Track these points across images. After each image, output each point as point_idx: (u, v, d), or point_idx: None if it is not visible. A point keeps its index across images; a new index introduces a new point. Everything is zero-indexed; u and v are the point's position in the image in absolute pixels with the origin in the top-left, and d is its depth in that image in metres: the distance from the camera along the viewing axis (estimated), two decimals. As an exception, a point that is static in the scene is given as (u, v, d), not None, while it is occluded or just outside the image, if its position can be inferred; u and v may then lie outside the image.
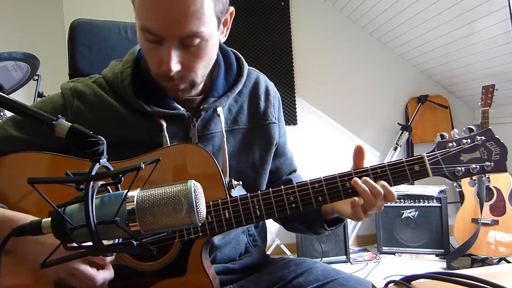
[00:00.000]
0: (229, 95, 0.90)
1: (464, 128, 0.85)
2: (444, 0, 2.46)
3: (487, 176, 0.86)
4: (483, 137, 0.83)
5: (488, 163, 0.82)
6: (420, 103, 3.24)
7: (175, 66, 0.75)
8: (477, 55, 2.76)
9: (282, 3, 3.21)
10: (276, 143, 0.97)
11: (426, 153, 0.83)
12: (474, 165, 0.82)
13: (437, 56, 3.06)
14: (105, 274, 0.72)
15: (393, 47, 3.32)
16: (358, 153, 0.83)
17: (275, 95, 1.00)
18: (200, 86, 0.88)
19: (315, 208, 0.84)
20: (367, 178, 0.79)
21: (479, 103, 2.47)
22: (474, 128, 0.85)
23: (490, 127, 0.85)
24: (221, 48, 0.94)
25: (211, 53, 0.81)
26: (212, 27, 0.76)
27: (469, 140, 0.83)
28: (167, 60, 0.74)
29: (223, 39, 0.86)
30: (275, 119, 0.97)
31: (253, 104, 0.95)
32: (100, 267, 0.72)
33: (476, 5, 2.35)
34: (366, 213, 0.80)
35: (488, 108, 2.42)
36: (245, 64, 0.95)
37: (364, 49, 3.34)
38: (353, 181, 0.79)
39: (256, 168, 0.93)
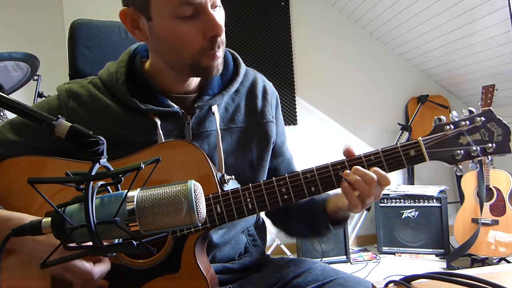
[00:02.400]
0: (224, 93, 0.90)
1: (464, 110, 0.80)
2: (444, 0, 2.46)
3: (490, 158, 0.82)
4: (483, 118, 0.78)
5: (490, 145, 0.77)
6: (420, 103, 3.24)
7: (222, 25, 0.77)
8: (477, 55, 2.76)
9: (282, 3, 3.21)
10: (273, 142, 0.97)
11: (422, 137, 0.79)
12: (474, 147, 0.77)
13: (437, 56, 3.06)
14: (101, 268, 0.72)
15: (393, 47, 3.32)
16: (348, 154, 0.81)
17: (273, 94, 1.00)
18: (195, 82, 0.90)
19: (319, 207, 0.83)
20: (358, 167, 0.77)
21: (479, 103, 2.46)
22: (474, 110, 0.80)
23: (491, 108, 0.80)
24: None
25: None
26: None
27: (467, 122, 0.78)
28: (213, 22, 0.76)
29: None
30: (273, 117, 0.97)
31: (250, 103, 0.95)
32: (96, 260, 0.72)
33: (476, 5, 2.35)
34: (364, 202, 0.78)
35: (488, 108, 2.42)
36: (242, 64, 0.96)
37: (364, 49, 3.34)
38: (344, 173, 0.77)
39: (254, 166, 0.93)
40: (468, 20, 2.51)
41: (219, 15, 0.79)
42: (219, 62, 0.82)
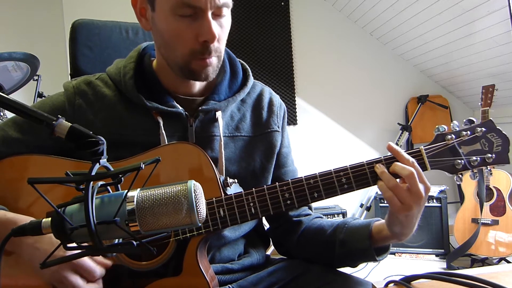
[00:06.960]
0: (230, 100, 0.90)
1: (464, 120, 0.82)
2: (444, 0, 2.46)
3: (489, 168, 0.83)
4: (483, 129, 0.80)
5: (489, 155, 0.79)
6: (420, 103, 3.24)
7: (217, 32, 0.76)
8: (477, 55, 2.76)
9: (282, 3, 3.21)
10: (277, 151, 0.96)
11: (424, 146, 0.81)
12: (474, 157, 0.80)
13: (437, 56, 3.06)
14: None
15: (393, 47, 3.32)
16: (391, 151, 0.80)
17: (280, 106, 1.00)
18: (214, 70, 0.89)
19: (364, 235, 0.83)
20: (397, 163, 0.77)
21: (479, 103, 2.46)
22: (474, 120, 0.82)
23: (491, 118, 0.81)
24: (229, 57, 0.95)
25: (229, 29, 0.83)
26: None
27: (468, 132, 0.80)
28: (208, 27, 0.75)
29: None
30: (278, 127, 0.97)
31: (256, 114, 0.95)
32: (89, 280, 0.72)
33: (476, 5, 2.35)
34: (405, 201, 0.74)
35: (488, 108, 2.42)
36: (251, 76, 0.96)
37: (364, 49, 3.34)
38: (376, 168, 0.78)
39: (257, 176, 0.93)
40: (468, 20, 2.51)
41: (218, 24, 0.78)
42: (209, 70, 0.81)
